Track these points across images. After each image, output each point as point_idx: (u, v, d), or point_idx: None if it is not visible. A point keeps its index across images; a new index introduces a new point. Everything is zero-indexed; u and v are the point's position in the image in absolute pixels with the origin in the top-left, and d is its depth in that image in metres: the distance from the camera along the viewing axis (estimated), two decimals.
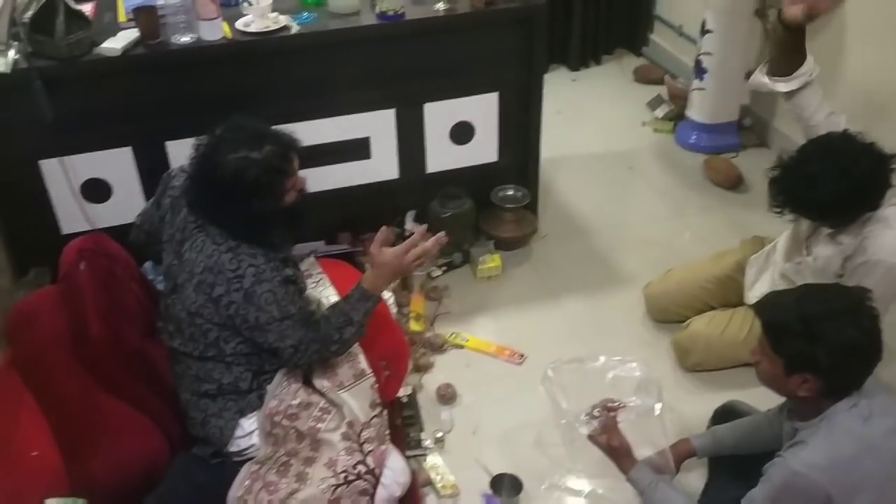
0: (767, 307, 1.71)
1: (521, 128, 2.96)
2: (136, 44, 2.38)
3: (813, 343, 1.60)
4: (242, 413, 2.04)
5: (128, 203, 2.52)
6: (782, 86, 2.33)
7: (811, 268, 2.29)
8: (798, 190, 2.10)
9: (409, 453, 2.25)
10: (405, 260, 2.06)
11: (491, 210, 3.07)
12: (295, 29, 2.51)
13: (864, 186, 2.06)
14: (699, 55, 3.61)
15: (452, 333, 2.73)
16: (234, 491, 1.95)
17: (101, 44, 2.34)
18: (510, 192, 3.07)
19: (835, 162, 2.03)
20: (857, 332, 1.58)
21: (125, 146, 2.50)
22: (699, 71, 3.63)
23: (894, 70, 3.03)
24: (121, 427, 2.00)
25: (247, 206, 1.91)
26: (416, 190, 2.95)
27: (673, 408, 2.36)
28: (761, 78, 2.40)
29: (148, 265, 2.41)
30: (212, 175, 1.91)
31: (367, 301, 2.07)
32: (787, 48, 2.32)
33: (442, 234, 2.14)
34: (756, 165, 3.54)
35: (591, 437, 1.99)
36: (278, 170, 1.92)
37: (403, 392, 2.43)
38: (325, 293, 2.32)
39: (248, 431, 2.04)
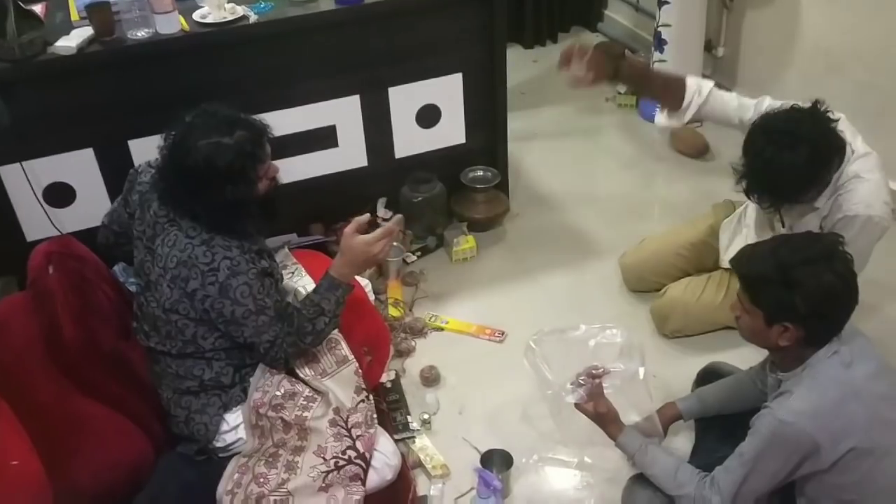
0: (744, 260, 1.73)
1: (487, 108, 2.96)
2: (90, 41, 2.33)
3: (790, 291, 1.61)
4: (226, 408, 2.02)
5: (93, 206, 2.47)
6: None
7: None
8: (770, 182, 2.07)
9: (396, 437, 2.24)
10: (373, 248, 2.01)
11: (462, 192, 3.07)
12: (252, 18, 2.48)
13: (820, 142, 2.04)
14: (658, 27, 3.63)
15: (432, 316, 2.72)
16: (223, 485, 1.93)
17: (54, 43, 2.29)
18: (480, 173, 3.07)
19: (778, 140, 2.01)
20: (832, 277, 1.60)
21: (86, 147, 2.45)
22: (659, 43, 3.64)
23: (848, 28, 3.08)
24: (102, 430, 1.97)
25: (220, 193, 1.88)
26: (385, 176, 2.93)
27: (656, 374, 2.37)
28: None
29: (118, 267, 2.37)
30: (183, 162, 1.87)
31: (337, 290, 2.03)
32: (644, 89, 2.36)
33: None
34: (721, 133, 3.57)
35: (578, 406, 1.99)
36: (251, 154, 1.89)
37: (386, 377, 2.42)
38: (302, 282, 2.29)
39: (234, 426, 2.01)
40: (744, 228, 2.55)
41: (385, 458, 2.04)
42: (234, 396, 2.02)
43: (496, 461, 2.16)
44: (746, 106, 2.29)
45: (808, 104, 2.08)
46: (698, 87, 2.31)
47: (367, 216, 2.06)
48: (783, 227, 2.31)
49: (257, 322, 1.93)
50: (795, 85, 3.36)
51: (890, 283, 2.71)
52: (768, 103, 2.25)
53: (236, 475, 1.94)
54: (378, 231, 2.04)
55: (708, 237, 2.67)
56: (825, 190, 2.14)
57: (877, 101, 2.98)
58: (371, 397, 2.15)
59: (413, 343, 2.62)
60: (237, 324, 1.92)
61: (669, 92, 2.32)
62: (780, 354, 1.75)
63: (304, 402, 2.02)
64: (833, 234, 1.71)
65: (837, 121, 2.08)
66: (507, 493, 2.13)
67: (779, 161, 2.02)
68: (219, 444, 2.02)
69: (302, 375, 2.07)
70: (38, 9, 2.47)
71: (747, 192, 2.13)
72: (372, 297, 2.54)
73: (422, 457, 2.22)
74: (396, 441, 2.19)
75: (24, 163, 2.38)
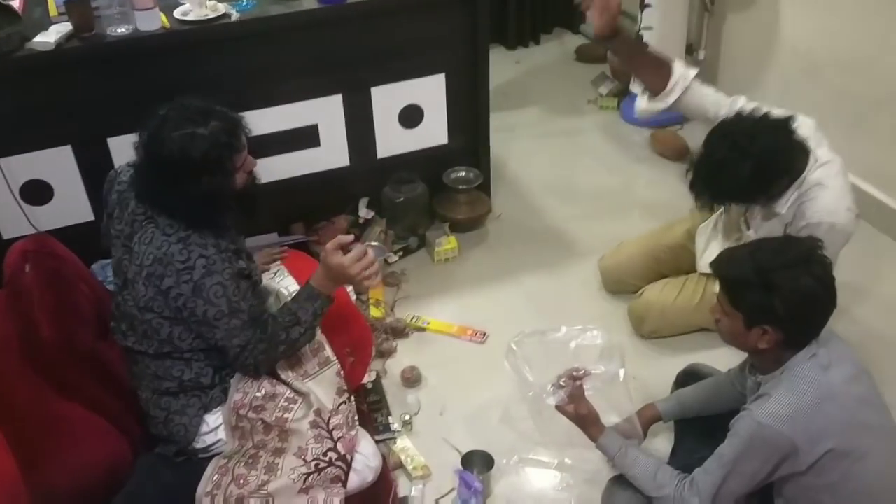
0: (723, 263, 1.74)
1: (469, 108, 2.95)
2: (69, 37, 2.30)
3: (770, 294, 1.63)
4: (206, 409, 2.00)
5: (71, 204, 2.45)
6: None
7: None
8: (711, 183, 2.12)
9: (377, 438, 2.24)
10: (351, 271, 1.96)
11: (444, 192, 3.07)
12: (235, 16, 2.46)
13: (770, 160, 2.07)
14: (639, 30, 3.65)
15: (413, 317, 2.72)
16: (203, 487, 1.91)
17: (32, 39, 2.26)
18: (462, 174, 3.07)
19: (731, 146, 2.05)
20: (811, 280, 1.62)
21: (64, 145, 2.42)
22: None
23: (827, 33, 3.11)
24: (79, 431, 1.94)
25: (196, 185, 1.85)
26: (367, 176, 2.93)
27: (636, 375, 2.39)
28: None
29: (96, 266, 2.35)
30: (158, 155, 1.84)
31: (315, 300, 1.99)
32: (633, 63, 2.37)
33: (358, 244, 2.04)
34: (701, 136, 3.59)
35: (558, 407, 2.00)
36: (226, 145, 1.86)
37: (367, 378, 2.42)
38: (284, 283, 2.28)
39: (214, 427, 1.99)
40: (719, 233, 2.57)
41: (365, 459, 2.02)
42: (214, 397, 2.00)
43: (477, 462, 2.16)
44: (721, 103, 2.31)
45: (779, 116, 2.10)
46: (684, 73, 2.31)
47: (350, 237, 2.01)
48: (748, 229, 2.34)
49: (229, 325, 1.89)
50: (775, 88, 3.40)
51: (857, 286, 2.75)
52: (742, 103, 2.27)
53: (216, 476, 1.93)
54: (353, 252, 1.98)
55: (685, 241, 2.69)
56: (783, 197, 2.16)
57: (853, 107, 3.02)
58: (352, 399, 2.14)
59: (394, 344, 2.62)
60: (209, 325, 1.89)
61: (658, 69, 2.32)
62: (760, 357, 1.76)
63: (285, 404, 2.01)
64: (811, 237, 1.73)
65: (803, 139, 2.10)
66: (488, 495, 2.13)
67: (724, 167, 2.06)
68: (198, 446, 2.00)
69: (283, 376, 2.05)
70: (15, 4, 2.44)
71: (690, 185, 2.17)
72: (353, 297, 2.54)
73: (402, 458, 2.22)
74: (377, 442, 2.19)
75: (0, 159, 2.34)
